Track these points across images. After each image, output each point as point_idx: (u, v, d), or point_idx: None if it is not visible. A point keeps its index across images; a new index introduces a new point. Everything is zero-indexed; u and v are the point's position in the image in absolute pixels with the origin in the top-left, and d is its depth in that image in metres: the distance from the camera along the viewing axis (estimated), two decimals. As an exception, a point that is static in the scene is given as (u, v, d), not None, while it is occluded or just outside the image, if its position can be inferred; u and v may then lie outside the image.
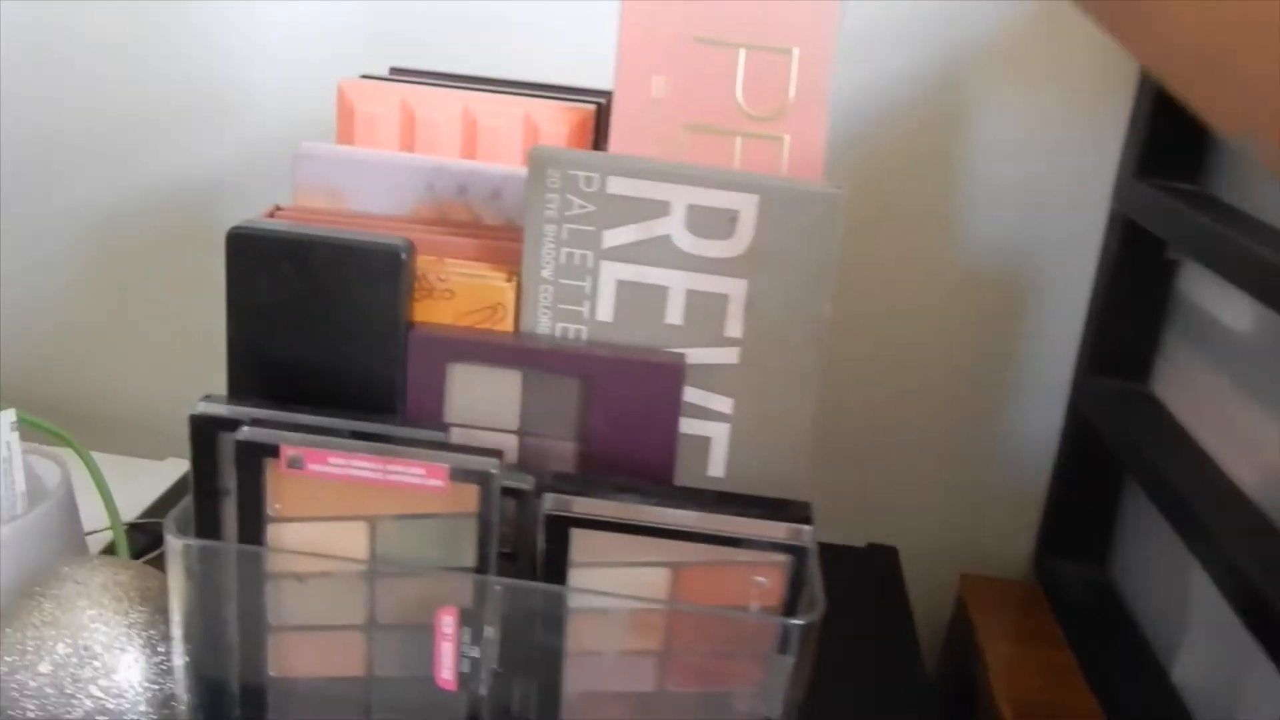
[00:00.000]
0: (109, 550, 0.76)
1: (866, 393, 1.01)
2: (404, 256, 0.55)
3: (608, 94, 0.72)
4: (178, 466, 0.92)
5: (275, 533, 0.53)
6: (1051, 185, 0.95)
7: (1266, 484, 0.75)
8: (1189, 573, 0.85)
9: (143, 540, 0.81)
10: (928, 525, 1.04)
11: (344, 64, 0.95)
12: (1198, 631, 0.83)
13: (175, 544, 0.53)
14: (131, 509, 0.83)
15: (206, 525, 0.54)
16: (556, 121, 0.66)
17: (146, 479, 0.90)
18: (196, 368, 1.05)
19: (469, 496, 0.53)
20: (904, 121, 0.95)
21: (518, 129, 0.67)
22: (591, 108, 0.68)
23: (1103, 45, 0.92)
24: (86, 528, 0.70)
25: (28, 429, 0.66)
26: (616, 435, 0.59)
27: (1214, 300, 0.84)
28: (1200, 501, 0.75)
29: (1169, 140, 0.88)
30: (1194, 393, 0.86)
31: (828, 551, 0.99)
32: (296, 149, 0.62)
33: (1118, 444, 0.88)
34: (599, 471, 0.59)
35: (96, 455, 0.70)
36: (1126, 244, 0.90)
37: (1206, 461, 0.81)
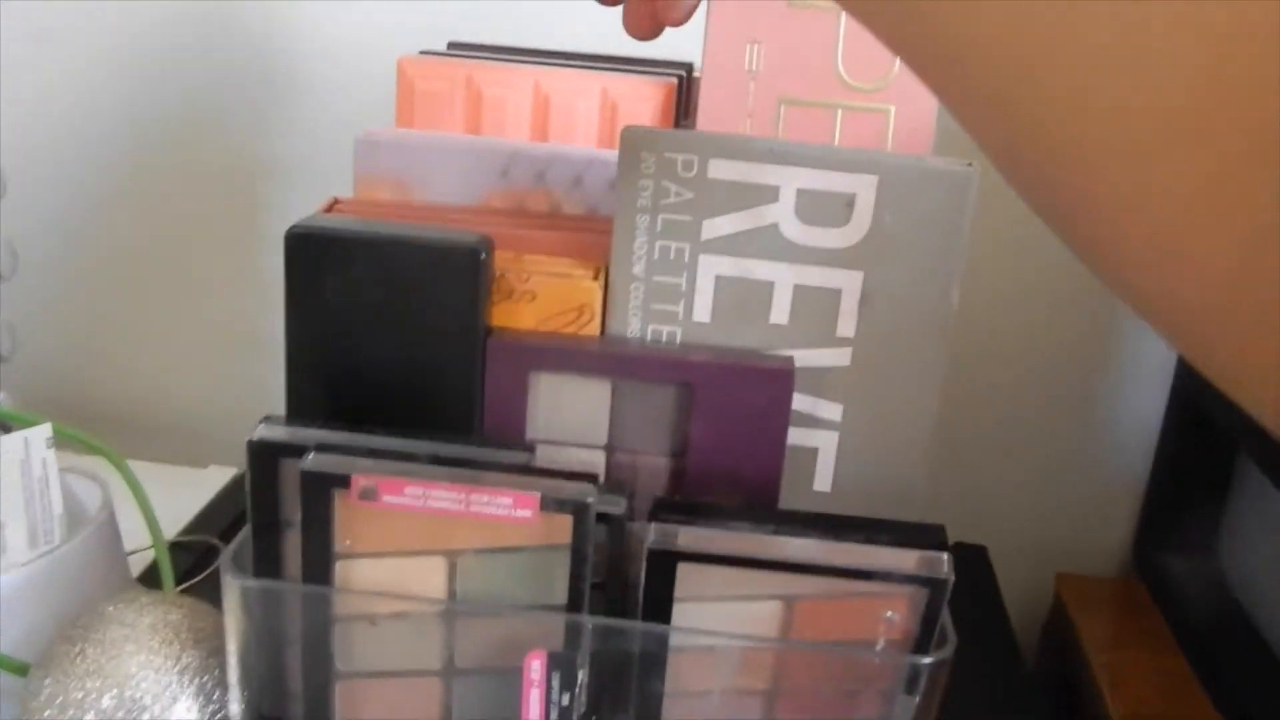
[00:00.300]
0: (150, 572, 0.70)
1: (953, 380, 0.94)
2: (483, 255, 0.49)
3: (688, 65, 0.66)
4: (221, 474, 0.86)
5: (344, 570, 0.47)
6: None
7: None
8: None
9: (186, 560, 0.75)
10: (1018, 522, 0.98)
11: (399, 41, 0.89)
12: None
13: (233, 584, 0.47)
14: (172, 523, 0.77)
15: (267, 562, 0.48)
16: (638, 98, 0.60)
17: (188, 489, 0.84)
18: (239, 370, 0.99)
19: (561, 527, 0.46)
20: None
21: (594, 106, 0.60)
22: (673, 81, 0.62)
23: None
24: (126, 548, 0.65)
25: (60, 439, 0.61)
26: (717, 450, 0.52)
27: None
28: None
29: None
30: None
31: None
32: (357, 134, 0.56)
33: (1231, 423, 0.81)
34: (697, 490, 0.53)
35: (132, 464, 0.64)
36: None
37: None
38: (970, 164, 0.52)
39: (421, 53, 0.62)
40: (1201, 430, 0.88)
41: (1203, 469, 0.90)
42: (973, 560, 0.91)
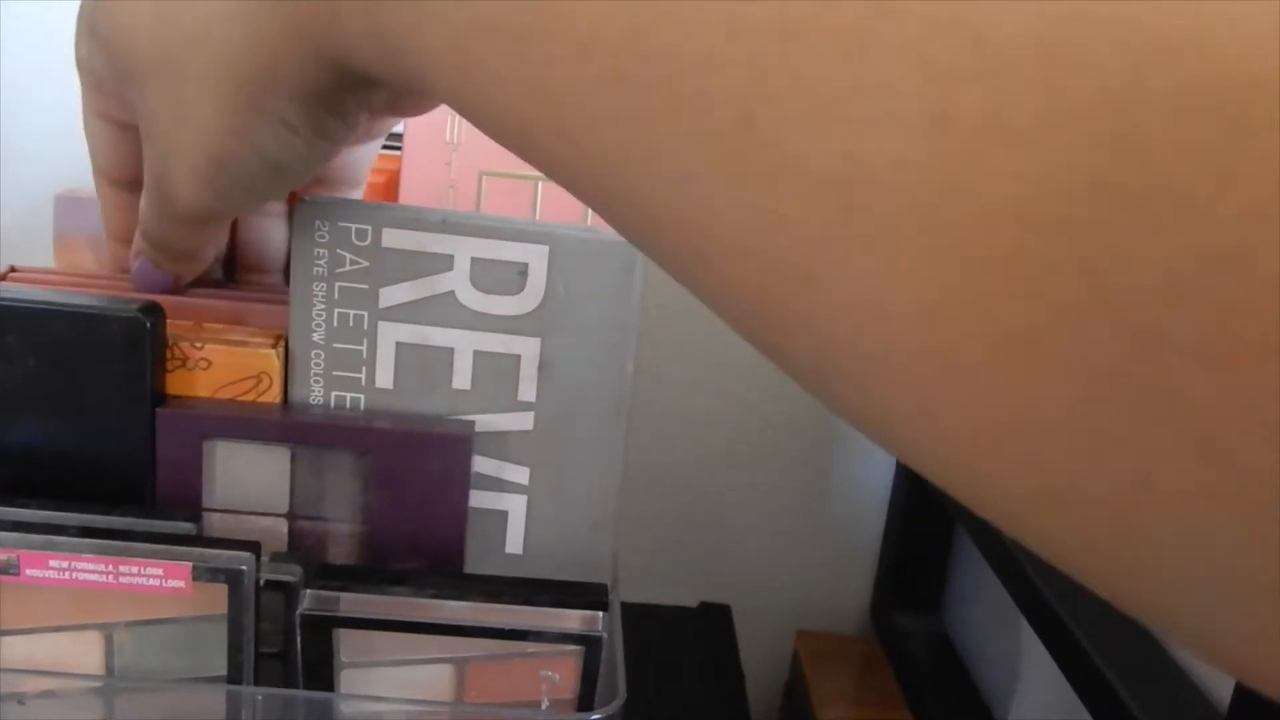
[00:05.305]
0: None
1: (691, 445, 0.97)
2: (149, 324, 0.49)
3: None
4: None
5: (-9, 647, 0.46)
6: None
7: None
8: (1020, 626, 0.82)
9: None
10: (762, 581, 1.00)
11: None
12: (1028, 686, 0.80)
13: None
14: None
15: (-91, 641, 0.47)
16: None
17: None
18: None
19: (219, 597, 0.46)
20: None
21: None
22: (397, 155, 0.62)
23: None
24: None
25: None
26: (399, 515, 0.53)
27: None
28: (1026, 554, 0.72)
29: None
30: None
31: (657, 612, 0.95)
32: (57, 192, 0.55)
33: (946, 494, 0.86)
34: (382, 557, 0.53)
35: None
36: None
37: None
38: (640, 236, 0.54)
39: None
40: (924, 498, 0.92)
41: (927, 534, 0.94)
42: (716, 619, 0.93)
